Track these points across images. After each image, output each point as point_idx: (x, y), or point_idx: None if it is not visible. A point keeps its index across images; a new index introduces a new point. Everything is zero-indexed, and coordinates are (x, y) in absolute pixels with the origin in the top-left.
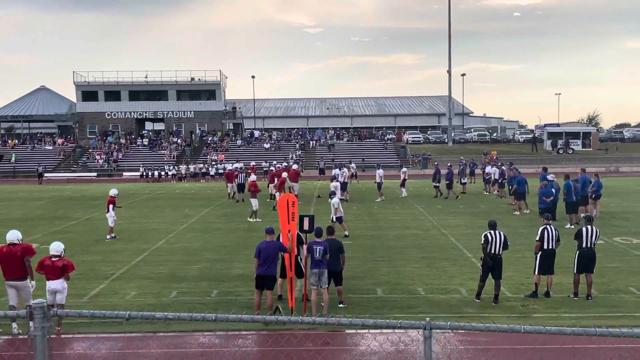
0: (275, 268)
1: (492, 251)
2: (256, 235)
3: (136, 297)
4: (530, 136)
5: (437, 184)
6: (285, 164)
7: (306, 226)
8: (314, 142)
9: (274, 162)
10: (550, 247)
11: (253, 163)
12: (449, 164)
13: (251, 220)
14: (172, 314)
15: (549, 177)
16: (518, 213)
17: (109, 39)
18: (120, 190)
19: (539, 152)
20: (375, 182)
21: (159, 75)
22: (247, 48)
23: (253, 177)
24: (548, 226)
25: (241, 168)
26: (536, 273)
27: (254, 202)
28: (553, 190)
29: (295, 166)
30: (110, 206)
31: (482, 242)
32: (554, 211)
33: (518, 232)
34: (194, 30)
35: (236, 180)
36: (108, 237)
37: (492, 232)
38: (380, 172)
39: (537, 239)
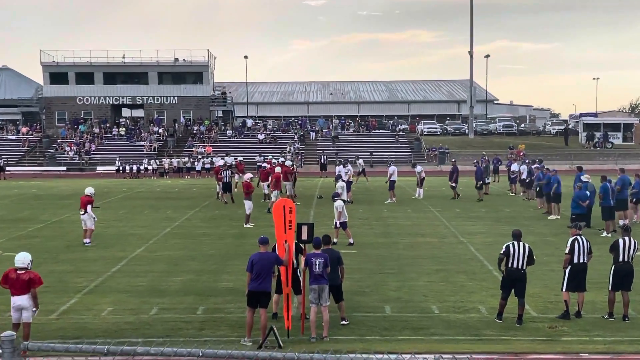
0: (270, 283)
1: (514, 265)
2: (248, 242)
3: (112, 314)
4: (563, 127)
5: (454, 185)
6: (281, 159)
7: (304, 235)
8: (315, 132)
9: (269, 156)
10: (581, 260)
11: (241, 158)
12: (475, 161)
13: (247, 225)
14: (155, 348)
15: (584, 178)
16: (555, 217)
17: (81, 13)
18: (93, 188)
19: (571, 146)
20: (386, 182)
21: (138, 55)
22: (238, 24)
23: (249, 175)
24: (579, 237)
25: (227, 164)
26: (564, 290)
27: (248, 205)
28: (588, 193)
29: (288, 162)
30: (89, 207)
31: (502, 252)
32: (588, 217)
33: (547, 241)
34: (178, 3)
35: (222, 178)
36: (88, 241)
37: (515, 243)
38: (392, 169)
39: (567, 251)
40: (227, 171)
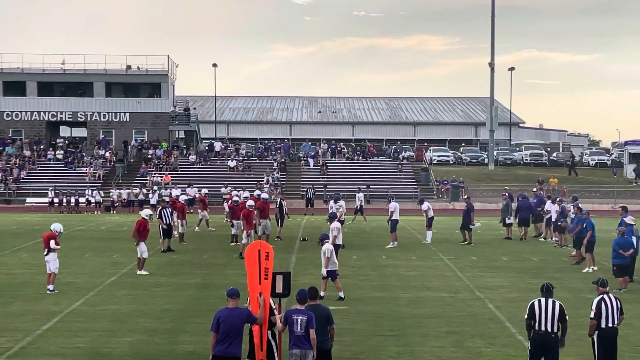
0: (240, 346)
1: (542, 328)
2: (214, 295)
3: None
4: (609, 157)
5: (472, 226)
6: (257, 191)
7: (279, 287)
8: (302, 159)
9: (228, 187)
10: (609, 324)
11: (205, 191)
12: (515, 193)
13: (141, 273)
14: None
15: (627, 219)
16: (590, 270)
17: (10, 7)
18: (21, 225)
19: (611, 180)
20: (387, 221)
21: (82, 62)
22: (206, 24)
23: (147, 211)
24: (605, 296)
25: (165, 201)
26: None
27: (141, 248)
28: (634, 239)
29: (264, 196)
30: (52, 242)
31: (526, 315)
32: (631, 268)
33: (583, 299)
34: None
35: (162, 219)
36: (51, 287)
37: (542, 300)
38: (394, 205)
39: (592, 315)
40: (166, 210)
